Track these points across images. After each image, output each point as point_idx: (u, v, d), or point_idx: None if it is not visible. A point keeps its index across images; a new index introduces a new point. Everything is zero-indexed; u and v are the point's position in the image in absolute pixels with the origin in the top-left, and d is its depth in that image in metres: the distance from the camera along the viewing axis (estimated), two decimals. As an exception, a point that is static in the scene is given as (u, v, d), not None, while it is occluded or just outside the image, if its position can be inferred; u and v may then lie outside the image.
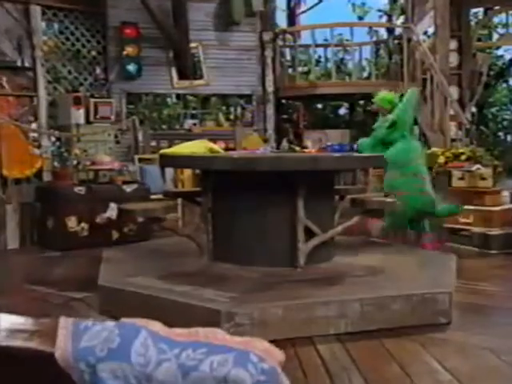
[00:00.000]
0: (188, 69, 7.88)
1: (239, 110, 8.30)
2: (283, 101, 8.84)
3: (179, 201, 5.71)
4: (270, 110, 8.18)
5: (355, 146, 7.74)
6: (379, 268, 3.50)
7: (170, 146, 6.76)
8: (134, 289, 3.12)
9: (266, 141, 7.56)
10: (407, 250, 4.19)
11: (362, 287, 3.12)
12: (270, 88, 8.17)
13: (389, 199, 3.86)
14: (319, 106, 10.05)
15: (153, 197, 5.64)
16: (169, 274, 3.40)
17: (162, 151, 3.98)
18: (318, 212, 3.54)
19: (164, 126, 8.00)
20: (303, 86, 8.31)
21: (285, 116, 9.08)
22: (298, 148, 4.06)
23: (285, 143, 4.07)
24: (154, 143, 7.37)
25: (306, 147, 7.18)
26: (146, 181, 6.08)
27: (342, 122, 9.95)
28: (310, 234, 3.47)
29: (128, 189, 5.53)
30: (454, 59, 8.43)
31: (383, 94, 4.21)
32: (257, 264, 3.48)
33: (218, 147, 3.96)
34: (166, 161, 3.76)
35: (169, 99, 8.27)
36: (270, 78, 8.19)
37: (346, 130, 8.84)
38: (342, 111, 10.41)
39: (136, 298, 3.08)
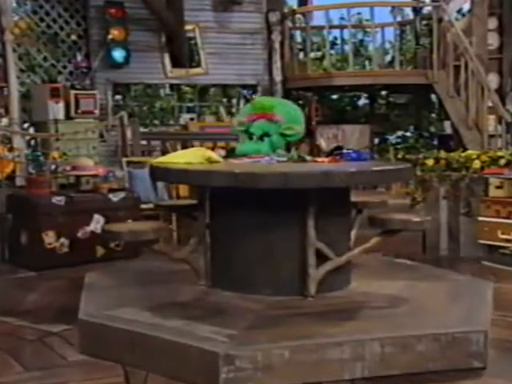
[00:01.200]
0: (183, 55, 7.89)
1: (242, 102, 8.31)
2: (293, 92, 8.82)
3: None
4: (278, 102, 8.16)
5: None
6: (402, 298, 3.48)
7: (163, 149, 6.77)
8: (117, 324, 3.12)
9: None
10: (435, 274, 4.17)
11: (382, 323, 3.10)
12: (277, 77, 8.15)
13: (414, 218, 3.84)
14: (334, 97, 10.01)
15: (143, 206, 5.66)
16: (159, 305, 3.41)
17: (153, 161, 3.97)
18: (332, 232, 3.53)
19: (156, 122, 8.02)
20: (316, 76, 8.28)
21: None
22: (308, 158, 4.04)
23: (293, 152, 4.04)
24: (144, 142, 7.39)
25: (318, 145, 7.18)
26: (136, 188, 6.09)
27: (361, 115, 9.91)
28: (321, 258, 3.45)
29: (114, 198, 5.54)
30: (493, 41, 8.38)
31: (285, 103, 4.28)
32: (261, 292, 3.48)
33: (217, 155, 3.94)
34: (158, 174, 3.77)
35: (161, 90, 8.29)
36: (277, 65, 8.18)
37: (365, 125, 8.83)
38: (361, 103, 10.37)
39: (120, 334, 3.08)
